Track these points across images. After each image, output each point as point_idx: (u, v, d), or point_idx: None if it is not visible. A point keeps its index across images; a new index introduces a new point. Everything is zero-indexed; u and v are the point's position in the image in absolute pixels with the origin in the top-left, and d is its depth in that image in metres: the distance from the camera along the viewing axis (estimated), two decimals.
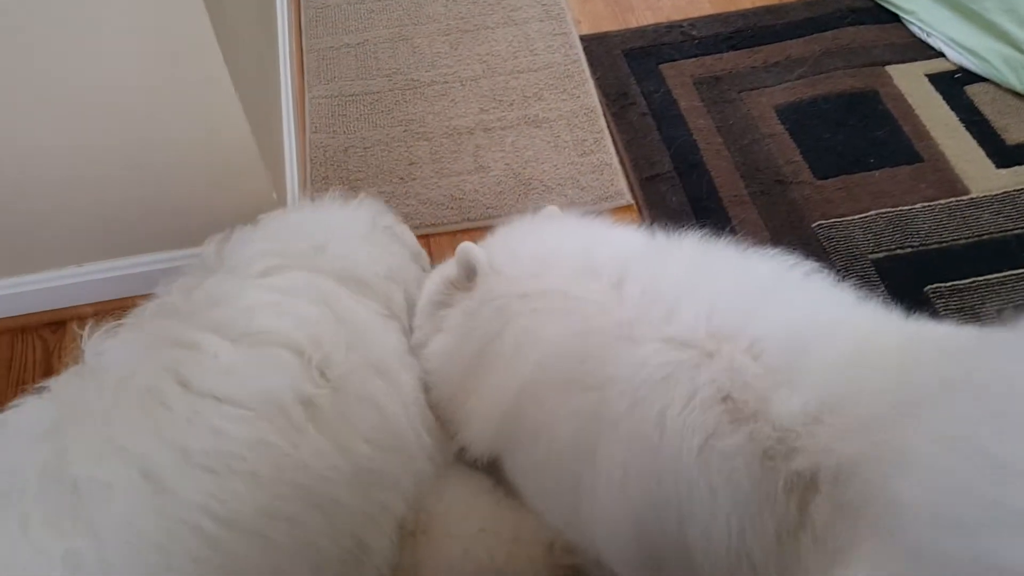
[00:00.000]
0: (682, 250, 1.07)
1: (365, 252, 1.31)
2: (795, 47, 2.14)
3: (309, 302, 1.16)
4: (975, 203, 1.76)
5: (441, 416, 1.24)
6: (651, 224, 1.25)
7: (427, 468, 1.21)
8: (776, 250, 1.04)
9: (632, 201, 1.84)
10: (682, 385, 0.87)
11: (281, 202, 1.64)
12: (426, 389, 1.25)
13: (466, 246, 1.16)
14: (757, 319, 0.90)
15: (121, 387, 1.00)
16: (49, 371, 1.59)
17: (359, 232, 1.36)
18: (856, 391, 0.81)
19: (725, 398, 0.85)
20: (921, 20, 2.12)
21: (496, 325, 1.09)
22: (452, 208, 1.83)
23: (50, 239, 1.55)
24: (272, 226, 1.33)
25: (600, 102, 2.05)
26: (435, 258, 1.76)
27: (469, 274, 1.17)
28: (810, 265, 1.00)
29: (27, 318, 1.66)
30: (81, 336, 1.11)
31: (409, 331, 1.31)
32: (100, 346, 1.09)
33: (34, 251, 1.58)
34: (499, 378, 1.08)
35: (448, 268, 1.24)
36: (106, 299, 1.66)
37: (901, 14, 2.16)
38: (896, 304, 1.57)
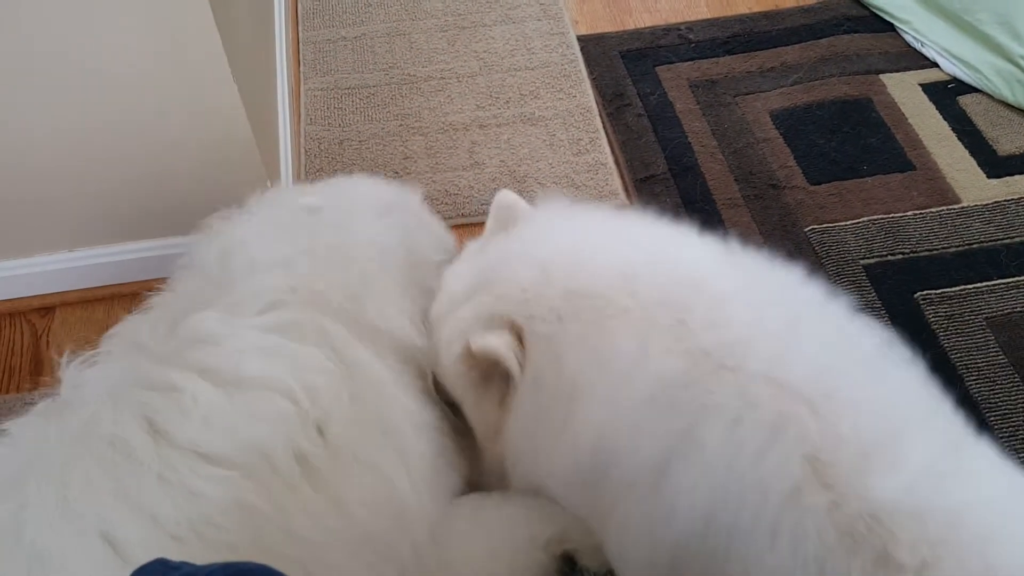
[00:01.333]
0: (785, 285, 1.01)
1: (395, 298, 1.14)
2: (791, 53, 2.15)
3: (312, 344, 1.01)
4: (966, 212, 1.78)
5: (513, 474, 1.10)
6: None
7: (424, 537, 1.07)
8: (876, 323, 0.99)
9: (627, 202, 1.84)
10: (787, 439, 0.85)
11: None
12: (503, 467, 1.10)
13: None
14: (861, 393, 0.88)
15: (83, 435, 0.88)
16: (37, 356, 1.58)
17: (384, 246, 1.18)
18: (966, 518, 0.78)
19: (815, 458, 0.83)
20: (916, 30, 2.13)
21: (585, 356, 0.97)
22: (447, 203, 1.83)
23: (42, 223, 1.54)
24: (275, 228, 1.15)
25: (596, 102, 2.05)
26: None
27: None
28: (909, 353, 0.96)
29: (16, 302, 1.64)
30: (59, 363, 0.98)
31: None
32: (79, 377, 0.96)
33: (25, 235, 1.56)
34: (590, 407, 0.97)
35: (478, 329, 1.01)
36: (97, 285, 1.64)
37: (896, 23, 2.18)
38: (886, 311, 1.60)
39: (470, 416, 1.10)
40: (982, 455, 0.89)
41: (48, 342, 1.60)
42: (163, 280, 1.68)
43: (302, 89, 2.09)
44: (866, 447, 0.83)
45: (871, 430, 0.84)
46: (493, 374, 1.02)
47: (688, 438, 0.90)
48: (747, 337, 0.91)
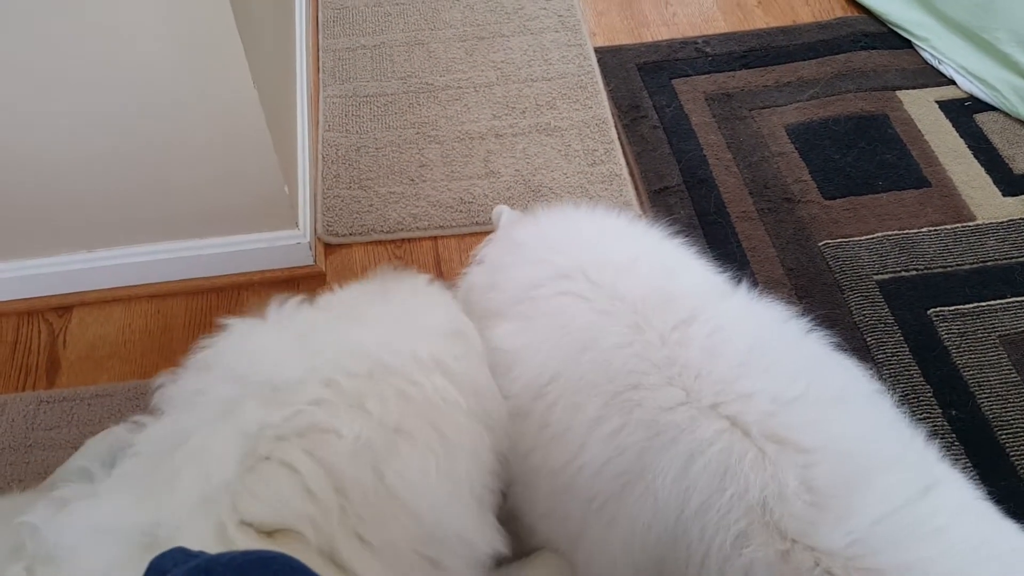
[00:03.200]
0: (750, 305, 1.02)
1: None
2: (807, 68, 2.15)
3: None
4: (980, 229, 1.78)
5: None
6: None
7: None
8: (847, 357, 0.98)
9: (640, 213, 1.85)
10: (735, 483, 0.83)
11: (293, 197, 1.65)
12: None
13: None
14: (817, 437, 0.85)
15: None
16: (54, 355, 1.60)
17: None
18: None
19: (765, 505, 0.81)
20: (933, 47, 2.13)
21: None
22: (461, 211, 1.84)
23: (61, 224, 1.56)
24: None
25: (612, 114, 2.06)
26: (444, 266, 1.77)
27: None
28: (877, 386, 0.95)
29: (34, 301, 1.66)
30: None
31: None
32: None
33: (45, 235, 1.58)
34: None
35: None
36: (114, 286, 1.66)
37: (914, 40, 2.18)
38: (899, 328, 1.59)
39: None
40: (950, 500, 0.84)
41: (65, 342, 1.62)
42: (180, 282, 1.69)
43: (321, 96, 2.11)
44: (820, 495, 0.80)
45: (825, 477, 0.81)
46: None
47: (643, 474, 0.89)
48: (703, 362, 0.90)
